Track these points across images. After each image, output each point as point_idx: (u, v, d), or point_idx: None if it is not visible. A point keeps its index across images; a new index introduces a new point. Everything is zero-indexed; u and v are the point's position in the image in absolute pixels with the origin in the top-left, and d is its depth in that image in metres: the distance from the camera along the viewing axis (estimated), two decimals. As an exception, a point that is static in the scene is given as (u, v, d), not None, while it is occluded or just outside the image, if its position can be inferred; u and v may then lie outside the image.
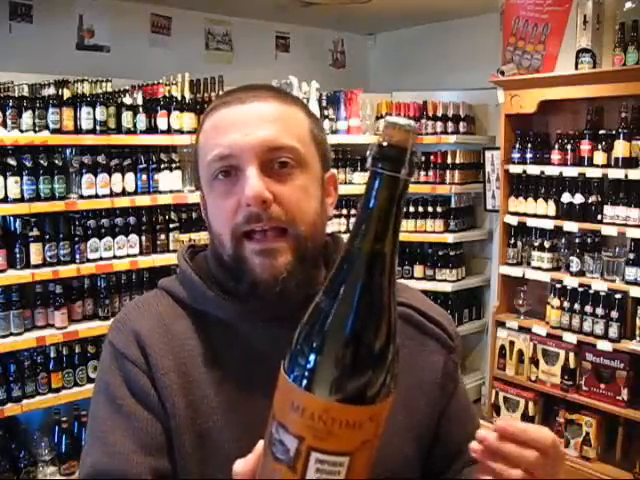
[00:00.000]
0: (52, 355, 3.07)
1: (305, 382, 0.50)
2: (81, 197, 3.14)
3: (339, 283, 0.51)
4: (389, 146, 0.50)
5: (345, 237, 0.95)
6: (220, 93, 3.28)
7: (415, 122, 0.51)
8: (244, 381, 0.88)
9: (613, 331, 3.24)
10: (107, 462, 0.83)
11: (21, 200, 2.94)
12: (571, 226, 3.41)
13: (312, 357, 0.50)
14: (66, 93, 3.13)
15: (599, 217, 3.32)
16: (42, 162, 3.01)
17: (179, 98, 3.47)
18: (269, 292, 0.87)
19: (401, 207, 0.51)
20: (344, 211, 4.19)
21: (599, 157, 3.31)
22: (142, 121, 3.30)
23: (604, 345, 3.26)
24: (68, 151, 3.21)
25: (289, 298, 0.87)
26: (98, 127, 3.14)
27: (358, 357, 0.50)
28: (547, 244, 3.60)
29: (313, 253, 0.90)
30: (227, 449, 0.85)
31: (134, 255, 3.32)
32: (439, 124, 4.23)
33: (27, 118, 2.97)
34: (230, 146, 0.86)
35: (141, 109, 3.31)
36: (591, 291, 3.35)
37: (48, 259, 3.04)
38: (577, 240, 3.47)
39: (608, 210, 3.27)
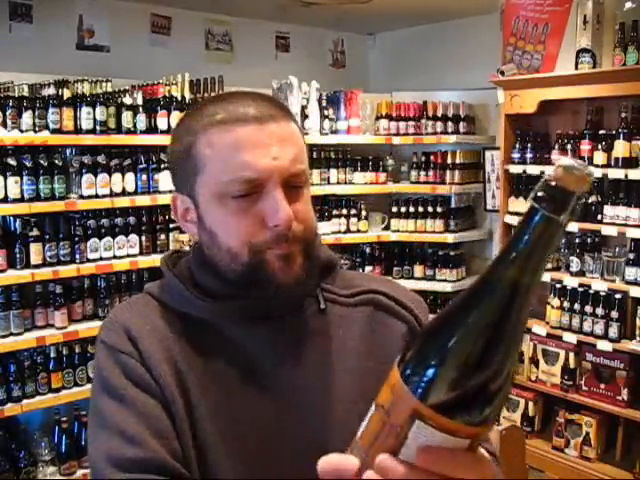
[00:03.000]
0: (52, 355, 3.08)
1: (417, 389, 0.51)
2: (81, 197, 3.14)
3: (476, 305, 0.51)
4: (556, 187, 0.49)
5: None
6: (220, 93, 3.27)
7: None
8: (228, 379, 0.91)
9: (613, 331, 3.24)
10: (124, 447, 0.82)
11: (21, 200, 2.94)
12: (571, 226, 3.41)
13: (430, 367, 0.51)
14: (66, 93, 3.13)
15: (599, 217, 3.32)
16: (42, 162, 3.01)
17: (179, 98, 3.47)
18: (288, 293, 0.92)
19: (553, 248, 0.51)
20: (344, 211, 4.18)
21: (599, 157, 3.31)
22: (142, 121, 3.30)
23: (604, 345, 3.26)
24: (68, 151, 3.22)
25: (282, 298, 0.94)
26: (98, 127, 3.14)
27: (475, 383, 0.50)
28: (547, 244, 3.60)
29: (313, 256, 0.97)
30: (214, 444, 0.88)
31: (134, 255, 3.32)
32: (439, 124, 4.23)
33: (27, 118, 2.97)
34: (259, 170, 0.88)
35: (141, 109, 3.31)
36: (591, 291, 3.35)
37: (48, 259, 3.04)
38: (577, 240, 3.46)
39: (608, 210, 3.27)
